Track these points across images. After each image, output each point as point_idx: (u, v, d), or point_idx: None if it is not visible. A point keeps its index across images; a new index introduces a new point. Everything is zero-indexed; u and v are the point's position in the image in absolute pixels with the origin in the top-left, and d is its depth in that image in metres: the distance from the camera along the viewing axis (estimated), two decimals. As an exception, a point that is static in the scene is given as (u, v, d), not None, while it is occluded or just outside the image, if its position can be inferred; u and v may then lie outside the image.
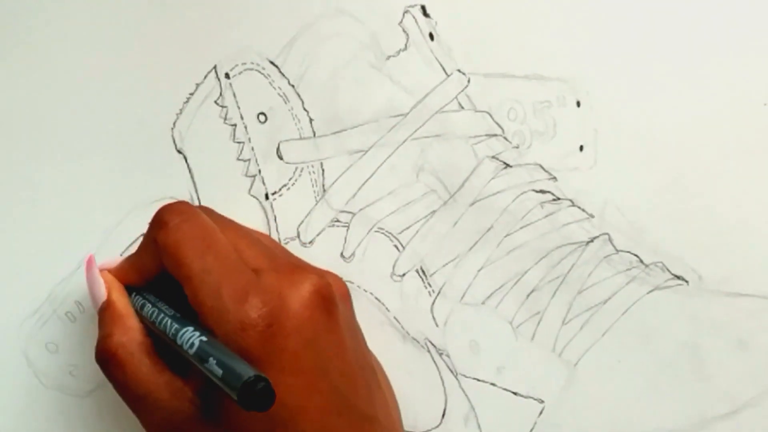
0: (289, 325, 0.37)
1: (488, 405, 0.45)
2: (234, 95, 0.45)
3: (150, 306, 0.40)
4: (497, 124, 0.45)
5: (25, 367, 0.45)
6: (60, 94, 0.45)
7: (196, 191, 0.45)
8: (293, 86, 0.45)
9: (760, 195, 0.44)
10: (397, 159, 0.45)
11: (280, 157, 0.45)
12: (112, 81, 0.46)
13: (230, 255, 0.39)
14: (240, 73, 0.45)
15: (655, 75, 0.44)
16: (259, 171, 0.45)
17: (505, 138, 0.45)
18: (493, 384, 0.45)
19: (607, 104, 0.44)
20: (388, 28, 0.45)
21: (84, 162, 0.46)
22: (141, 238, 0.45)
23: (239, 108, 0.45)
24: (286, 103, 0.45)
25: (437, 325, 0.45)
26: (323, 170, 0.45)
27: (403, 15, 0.45)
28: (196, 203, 0.45)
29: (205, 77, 0.45)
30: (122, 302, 0.41)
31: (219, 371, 0.35)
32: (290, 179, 0.45)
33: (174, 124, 0.45)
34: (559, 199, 0.45)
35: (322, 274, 0.39)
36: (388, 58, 0.45)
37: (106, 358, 0.39)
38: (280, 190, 0.45)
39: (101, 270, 0.42)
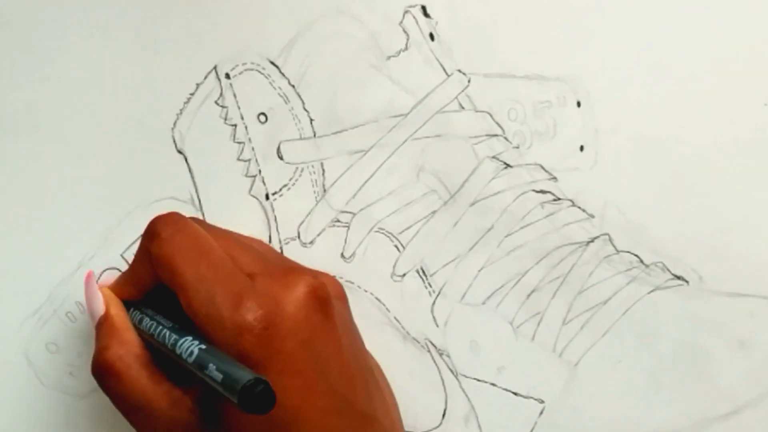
0: (285, 327, 0.37)
1: (488, 405, 0.45)
2: (234, 95, 0.45)
3: (148, 319, 0.40)
4: (497, 124, 0.45)
5: (25, 367, 0.45)
6: (60, 94, 0.45)
7: (197, 191, 0.45)
8: (294, 86, 0.45)
9: (760, 195, 0.44)
10: (397, 159, 0.45)
11: (281, 158, 0.45)
12: (112, 81, 0.45)
13: (224, 262, 0.39)
14: (240, 73, 0.45)
15: (656, 75, 0.44)
16: (260, 171, 0.45)
17: (506, 138, 0.45)
18: (493, 384, 0.45)
19: (607, 104, 0.44)
20: (389, 28, 0.45)
21: (84, 162, 0.45)
22: (141, 239, 0.45)
23: (240, 108, 0.45)
24: (286, 103, 0.45)
25: (437, 326, 0.45)
26: (324, 170, 0.45)
27: (404, 15, 0.45)
28: (197, 203, 0.45)
29: (206, 77, 0.45)
30: (120, 316, 0.41)
31: (219, 376, 0.35)
32: (291, 179, 0.45)
33: (174, 124, 0.45)
34: (559, 199, 0.45)
35: (316, 275, 0.39)
36: (389, 58, 0.45)
37: (104, 369, 0.39)
38: (280, 190, 0.45)
39: (99, 286, 0.42)
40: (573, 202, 0.45)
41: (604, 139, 0.44)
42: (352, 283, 0.45)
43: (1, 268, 0.45)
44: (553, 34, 0.44)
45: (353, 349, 0.40)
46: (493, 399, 0.45)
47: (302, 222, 0.45)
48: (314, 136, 0.45)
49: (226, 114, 0.45)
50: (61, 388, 0.45)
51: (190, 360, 0.37)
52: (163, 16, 0.45)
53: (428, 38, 0.45)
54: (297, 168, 0.45)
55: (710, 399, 0.44)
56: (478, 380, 0.45)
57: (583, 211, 0.45)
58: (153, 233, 0.39)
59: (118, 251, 0.45)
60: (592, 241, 0.45)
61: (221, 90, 0.45)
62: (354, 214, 0.45)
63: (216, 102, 0.45)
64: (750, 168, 0.44)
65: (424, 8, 0.45)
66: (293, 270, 0.40)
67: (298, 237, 0.45)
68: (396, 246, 0.45)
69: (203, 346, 0.37)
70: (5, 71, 0.46)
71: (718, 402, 0.44)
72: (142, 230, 0.45)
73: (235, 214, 0.45)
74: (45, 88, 0.46)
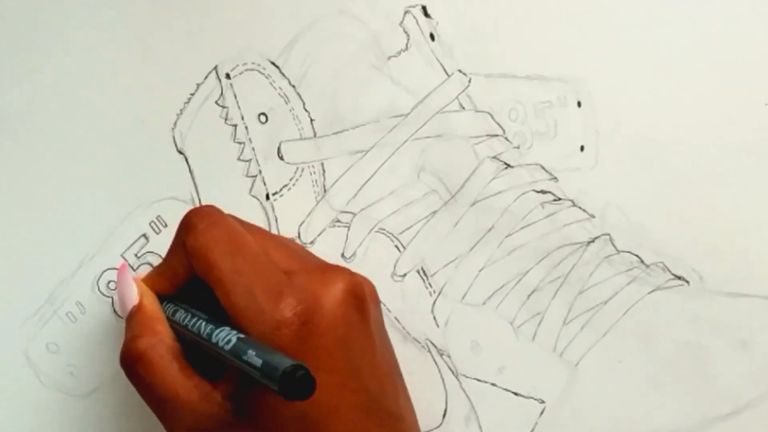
0: (323, 324, 0.37)
1: (489, 405, 0.45)
2: (235, 95, 0.45)
3: (182, 312, 0.40)
4: (498, 124, 0.45)
5: (25, 367, 0.45)
6: (60, 94, 0.45)
7: (197, 191, 0.45)
8: (294, 86, 0.45)
9: (761, 195, 0.44)
10: (398, 159, 0.45)
11: (281, 158, 0.45)
12: (113, 81, 0.45)
13: (260, 256, 0.38)
14: (241, 73, 0.45)
15: (656, 75, 0.44)
16: (260, 171, 0.45)
17: (506, 138, 0.45)
18: (494, 384, 0.45)
19: (608, 105, 0.44)
20: (389, 28, 0.45)
21: (84, 162, 0.45)
22: (141, 239, 0.45)
23: (240, 108, 0.45)
24: (287, 103, 0.45)
25: (438, 326, 0.45)
26: (324, 170, 0.45)
27: (404, 15, 0.45)
28: (197, 204, 0.45)
29: (206, 77, 0.45)
30: (153, 307, 0.40)
31: (258, 362, 0.34)
32: (291, 179, 0.45)
33: (175, 124, 0.45)
34: (560, 199, 0.45)
35: (353, 274, 0.39)
36: (389, 58, 0.45)
37: (134, 358, 0.38)
38: (280, 190, 0.45)
39: (135, 278, 0.41)
40: (573, 203, 0.45)
41: (605, 139, 0.45)
42: (353, 283, 0.45)
43: (1, 268, 0.45)
44: (554, 35, 0.45)
45: (384, 350, 0.40)
46: (493, 399, 0.45)
47: (303, 222, 0.45)
48: (315, 136, 0.45)
49: (227, 114, 0.45)
50: (61, 388, 0.45)
51: (227, 348, 0.36)
52: (164, 15, 0.45)
53: (429, 38, 0.45)
54: (297, 168, 0.45)
55: (711, 399, 0.44)
56: (479, 380, 0.45)
57: (584, 211, 0.45)
58: (189, 226, 0.39)
59: (118, 251, 0.45)
60: (593, 241, 0.45)
61: (222, 90, 0.45)
62: (354, 214, 0.45)
63: (216, 102, 0.45)
64: (750, 168, 0.44)
65: (424, 8, 0.45)
66: (330, 268, 0.40)
67: (299, 237, 0.45)
68: (396, 246, 0.45)
69: (241, 335, 0.36)
70: (5, 71, 0.46)
71: (719, 402, 0.44)
72: (142, 230, 0.45)
73: (236, 214, 0.45)
74: (45, 88, 0.45)
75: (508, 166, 0.45)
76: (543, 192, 0.45)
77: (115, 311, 0.45)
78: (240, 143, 0.45)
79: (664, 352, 0.44)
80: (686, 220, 0.44)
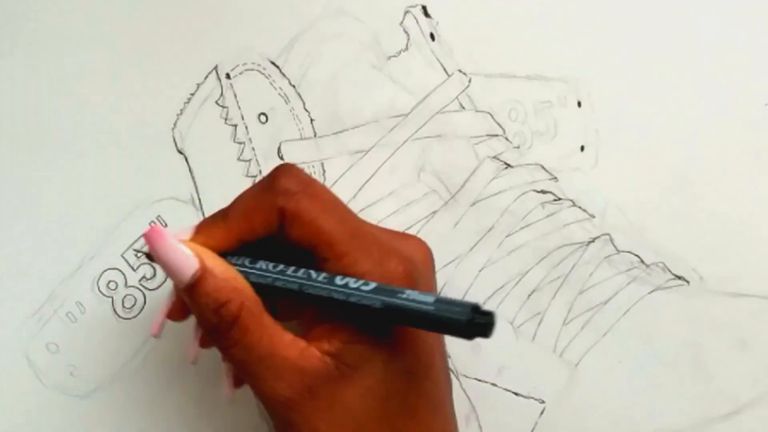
0: (421, 281, 0.38)
1: (489, 405, 0.45)
2: (235, 95, 0.45)
3: (261, 263, 0.38)
4: (498, 124, 0.45)
5: (25, 367, 0.45)
6: (60, 94, 0.45)
7: (197, 191, 0.45)
8: (294, 86, 0.45)
9: (761, 195, 0.44)
10: (398, 159, 0.45)
11: (281, 158, 0.45)
12: (113, 81, 0.45)
13: (357, 219, 0.39)
14: (241, 73, 0.45)
15: (656, 75, 0.44)
16: (260, 171, 0.45)
17: (506, 138, 0.45)
18: (493, 384, 0.45)
19: (608, 104, 0.44)
20: (389, 28, 0.45)
21: (84, 162, 0.45)
22: (141, 239, 0.45)
23: (240, 108, 0.45)
24: (287, 103, 0.45)
25: (438, 326, 0.45)
26: (324, 170, 0.45)
27: (404, 15, 0.45)
28: (197, 203, 0.45)
29: (206, 77, 0.45)
30: (223, 266, 0.37)
31: (429, 300, 0.35)
32: (291, 179, 0.45)
33: (175, 124, 0.45)
34: (560, 199, 0.45)
35: (421, 239, 0.41)
36: (389, 58, 0.45)
37: (229, 324, 0.36)
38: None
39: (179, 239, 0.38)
40: (573, 202, 0.45)
41: (605, 139, 0.45)
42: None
43: (1, 268, 0.45)
44: (554, 35, 0.45)
45: None
46: (493, 399, 0.45)
47: (303, 222, 0.45)
48: (315, 136, 0.45)
49: (227, 114, 0.45)
50: (61, 388, 0.45)
51: (366, 291, 0.35)
52: (164, 15, 0.45)
53: (429, 38, 0.45)
54: (297, 168, 0.45)
55: (710, 399, 0.44)
56: (479, 380, 0.45)
57: (584, 211, 0.45)
58: (284, 189, 0.37)
59: (118, 251, 0.45)
60: (593, 241, 0.45)
61: (222, 90, 0.45)
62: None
63: (216, 102, 0.45)
64: (750, 168, 0.44)
65: (424, 8, 0.45)
66: (401, 234, 0.41)
67: (299, 237, 0.45)
68: (396, 246, 0.45)
69: (378, 285, 0.36)
70: (5, 71, 0.46)
71: (719, 402, 0.44)
72: (142, 230, 0.45)
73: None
74: (45, 88, 0.45)
75: (508, 166, 0.45)
76: (543, 192, 0.45)
77: (115, 311, 0.45)
78: (240, 143, 0.45)
79: (664, 352, 0.44)
80: (686, 220, 0.44)
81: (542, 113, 0.45)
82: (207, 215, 0.39)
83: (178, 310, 0.39)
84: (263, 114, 0.45)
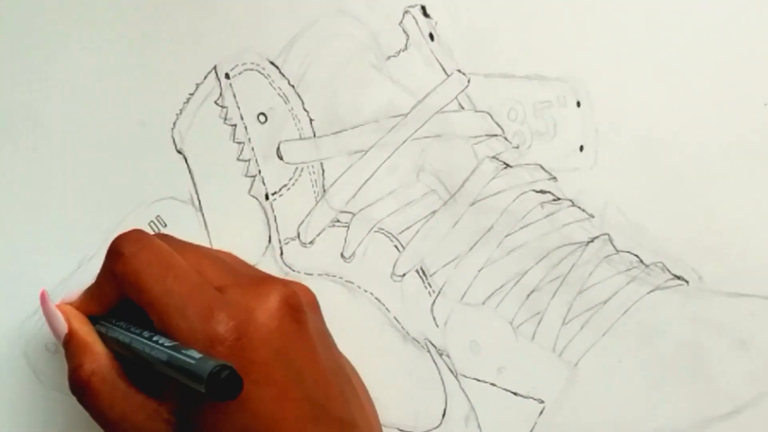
0: (257, 337, 0.37)
1: (488, 405, 0.45)
2: (234, 95, 0.45)
3: (118, 329, 0.40)
4: (497, 124, 0.45)
5: (25, 367, 0.45)
6: (60, 94, 0.45)
7: (196, 192, 0.45)
8: (293, 86, 0.45)
9: (760, 195, 0.44)
10: (397, 159, 0.45)
11: (281, 158, 0.45)
12: (112, 81, 0.45)
13: (191, 275, 0.39)
14: (240, 73, 0.45)
15: (656, 75, 0.44)
16: (259, 171, 0.45)
17: (506, 138, 0.45)
18: (493, 384, 0.45)
19: (607, 104, 0.44)
20: (389, 28, 0.45)
21: (84, 162, 0.45)
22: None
23: (239, 108, 0.45)
24: (286, 103, 0.45)
25: (437, 326, 0.45)
26: (323, 170, 0.45)
27: (403, 15, 0.45)
28: (197, 204, 0.45)
29: (206, 77, 0.45)
30: (84, 330, 0.41)
31: (188, 365, 0.35)
32: (290, 179, 0.45)
33: (174, 124, 0.45)
34: (559, 199, 0.45)
35: (287, 284, 0.40)
36: (389, 58, 0.45)
37: (81, 388, 0.39)
38: (280, 190, 0.45)
39: (59, 305, 0.41)
40: (573, 202, 0.45)
41: (604, 139, 0.44)
42: (352, 283, 0.45)
43: (1, 268, 0.45)
44: (554, 34, 0.44)
45: (327, 356, 0.40)
46: (493, 399, 0.45)
47: (302, 222, 0.45)
48: (314, 136, 0.45)
49: (226, 114, 0.45)
50: (60, 388, 0.45)
51: (162, 359, 0.37)
52: (164, 15, 0.45)
53: (428, 38, 0.45)
54: (297, 168, 0.45)
55: (710, 399, 0.44)
56: (478, 380, 0.45)
57: (583, 211, 0.45)
58: (117, 252, 0.39)
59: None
60: (592, 241, 0.45)
61: (221, 90, 0.45)
62: (354, 214, 0.45)
63: (216, 102, 0.45)
64: (750, 168, 0.44)
65: (423, 8, 0.45)
66: (264, 280, 0.40)
67: (298, 237, 0.45)
68: (396, 246, 0.45)
69: (175, 343, 0.37)
70: (5, 71, 0.46)
71: (718, 402, 0.44)
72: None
73: (235, 214, 0.45)
74: (45, 88, 0.46)
75: (508, 165, 0.45)
76: (542, 192, 0.45)
77: (114, 311, 0.45)
78: (239, 143, 0.45)
79: (663, 352, 0.44)
80: (686, 220, 0.44)
81: (541, 113, 0.45)
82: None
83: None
84: (262, 114, 0.45)
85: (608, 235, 0.45)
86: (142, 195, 0.45)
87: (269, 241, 0.45)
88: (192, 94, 0.45)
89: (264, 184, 0.45)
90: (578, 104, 0.45)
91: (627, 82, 0.44)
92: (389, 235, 0.45)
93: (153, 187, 0.45)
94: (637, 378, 0.44)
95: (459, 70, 0.45)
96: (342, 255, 0.45)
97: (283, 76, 0.45)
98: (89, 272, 0.45)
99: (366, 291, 0.45)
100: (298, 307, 0.39)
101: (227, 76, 0.45)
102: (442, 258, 0.45)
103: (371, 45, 0.45)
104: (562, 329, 0.44)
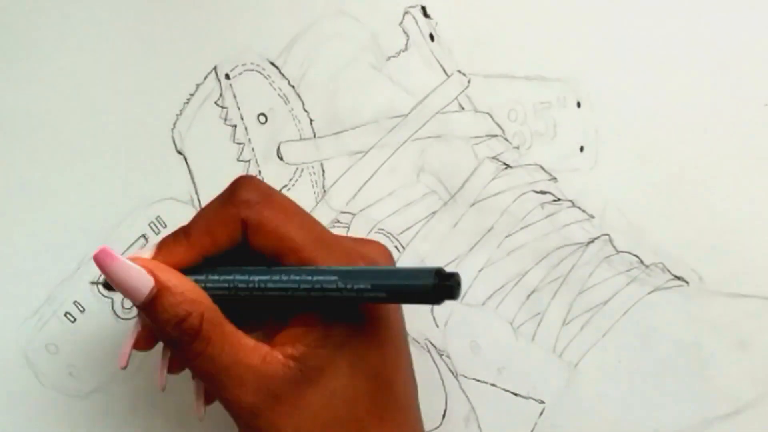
0: None
1: (489, 406, 0.45)
2: (234, 96, 0.45)
3: (222, 268, 0.38)
4: (497, 124, 0.45)
5: (25, 367, 0.45)
6: (60, 94, 0.45)
7: (197, 192, 0.45)
8: (293, 87, 0.45)
9: (760, 195, 0.44)
10: (397, 160, 0.45)
11: (281, 158, 0.45)
12: (112, 81, 0.46)
13: (318, 225, 0.39)
14: (240, 73, 0.45)
15: (656, 76, 0.44)
16: (260, 172, 0.45)
17: (506, 139, 0.45)
18: (493, 385, 0.45)
19: (607, 105, 0.44)
20: (389, 28, 0.45)
21: (84, 162, 0.45)
22: (140, 239, 0.45)
23: (239, 109, 0.45)
24: (286, 103, 0.45)
25: (437, 326, 0.45)
26: (323, 171, 0.45)
27: (404, 16, 0.45)
28: (197, 204, 0.45)
29: (206, 78, 0.45)
30: (178, 279, 0.37)
31: (396, 275, 0.36)
32: (290, 180, 0.45)
33: (174, 124, 0.45)
34: (559, 199, 0.45)
35: (380, 243, 0.42)
36: (389, 58, 0.45)
37: (191, 336, 0.36)
38: (280, 190, 0.45)
39: (132, 258, 0.38)
40: (573, 203, 0.45)
41: (605, 139, 0.44)
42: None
43: (1, 268, 0.45)
44: (554, 35, 0.44)
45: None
46: (493, 399, 0.45)
47: (302, 222, 0.45)
48: (314, 136, 0.45)
49: (226, 114, 0.45)
50: (60, 388, 0.45)
51: (331, 285, 0.36)
52: (163, 16, 0.45)
53: (428, 39, 0.45)
54: (297, 168, 0.45)
55: (710, 399, 0.44)
56: (478, 381, 0.45)
57: (583, 211, 0.45)
58: (244, 200, 0.38)
59: (118, 251, 0.45)
60: (592, 241, 0.45)
61: (221, 90, 0.45)
62: (354, 215, 0.45)
63: (216, 102, 0.45)
64: (750, 168, 0.44)
65: (424, 9, 0.45)
66: (363, 239, 0.42)
67: (298, 237, 0.45)
68: (396, 246, 0.45)
69: (341, 268, 0.37)
70: (5, 71, 0.46)
71: (718, 402, 0.44)
72: (141, 230, 0.45)
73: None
74: (45, 88, 0.46)
75: (508, 166, 0.45)
76: (542, 192, 0.45)
77: (114, 311, 0.45)
78: (239, 144, 0.45)
79: (663, 352, 0.44)
80: (686, 220, 0.44)
81: (542, 114, 0.45)
82: (167, 234, 0.39)
83: (144, 339, 0.39)
84: (263, 114, 0.45)
85: (608, 235, 0.45)
86: (142, 195, 0.45)
87: (269, 241, 0.45)
88: (192, 95, 0.45)
89: (264, 184, 0.45)
90: (578, 105, 0.45)
91: (627, 82, 0.44)
92: (389, 235, 0.45)
93: (153, 187, 0.45)
94: (637, 378, 0.44)
95: (459, 71, 0.45)
96: (342, 255, 0.45)
97: (284, 76, 0.45)
98: (89, 272, 0.45)
99: (366, 291, 0.45)
100: (394, 263, 0.42)
101: (227, 76, 0.45)
102: (442, 258, 0.45)
103: (371, 45, 0.45)
104: (562, 330, 0.44)
